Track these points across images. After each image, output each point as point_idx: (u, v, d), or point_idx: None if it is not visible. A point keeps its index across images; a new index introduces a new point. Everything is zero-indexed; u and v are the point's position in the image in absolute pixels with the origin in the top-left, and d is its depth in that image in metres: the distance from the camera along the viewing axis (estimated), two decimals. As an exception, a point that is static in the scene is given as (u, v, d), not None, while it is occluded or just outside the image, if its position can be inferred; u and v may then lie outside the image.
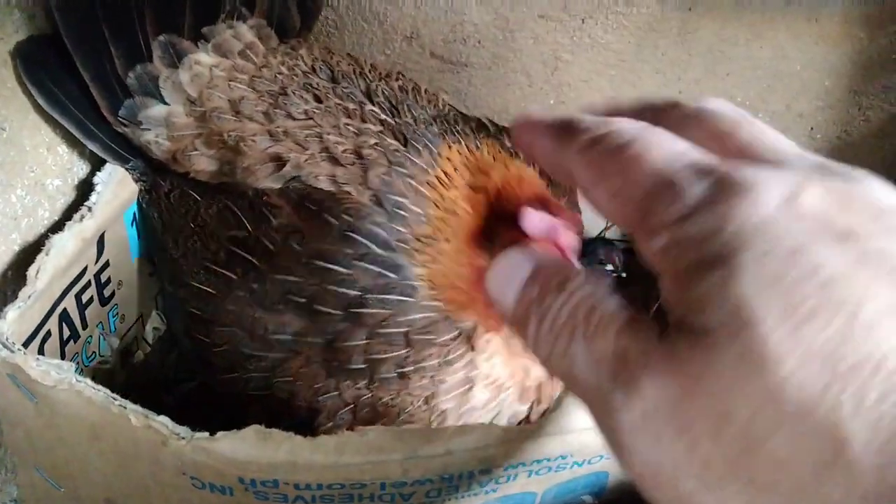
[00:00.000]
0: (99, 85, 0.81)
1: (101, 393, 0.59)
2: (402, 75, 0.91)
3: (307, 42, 0.93)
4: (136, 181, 0.85)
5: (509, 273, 0.38)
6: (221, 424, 0.62)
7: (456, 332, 0.72)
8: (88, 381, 0.60)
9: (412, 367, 0.71)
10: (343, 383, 0.72)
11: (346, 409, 0.72)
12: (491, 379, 0.71)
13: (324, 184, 0.76)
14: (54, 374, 0.60)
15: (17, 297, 0.69)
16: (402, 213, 0.73)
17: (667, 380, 0.28)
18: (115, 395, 0.59)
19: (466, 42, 1.05)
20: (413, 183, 0.74)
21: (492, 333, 0.71)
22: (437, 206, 0.74)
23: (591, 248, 1.03)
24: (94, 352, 0.85)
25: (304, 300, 0.72)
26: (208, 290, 0.77)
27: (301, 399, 0.72)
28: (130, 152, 0.85)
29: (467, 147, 0.77)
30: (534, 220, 0.69)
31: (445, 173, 0.76)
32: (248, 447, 0.56)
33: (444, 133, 0.79)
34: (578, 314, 0.33)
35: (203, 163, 0.81)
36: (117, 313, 0.87)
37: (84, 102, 0.81)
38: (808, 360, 0.26)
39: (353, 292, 0.71)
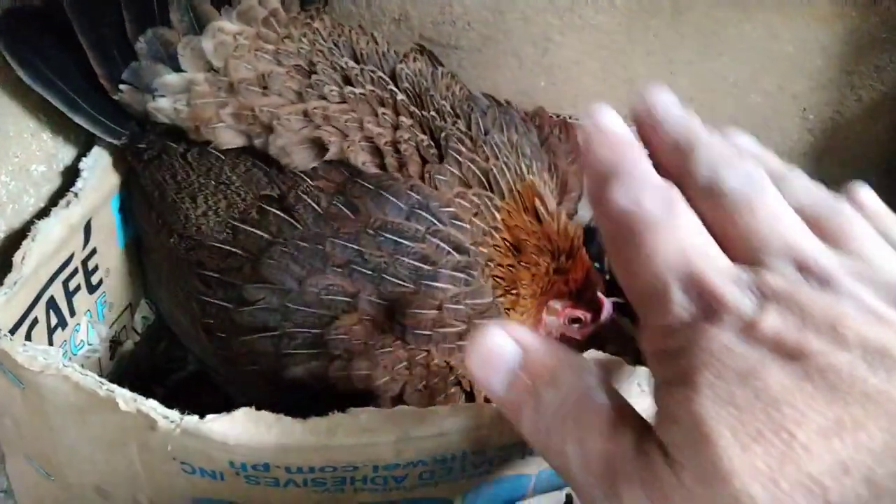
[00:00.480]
0: (98, 52, 0.79)
1: (88, 378, 0.58)
2: (419, 53, 0.90)
3: (321, 12, 0.91)
4: (139, 149, 0.82)
5: (496, 357, 0.39)
6: (214, 413, 0.63)
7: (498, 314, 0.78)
8: (76, 365, 0.59)
9: (468, 342, 0.75)
10: (396, 342, 0.74)
11: (402, 364, 0.74)
12: None
13: (371, 167, 0.77)
14: (41, 359, 0.59)
15: (2, 284, 0.68)
16: (458, 223, 0.76)
17: (642, 493, 0.32)
18: (102, 380, 0.58)
19: (456, 24, 1.04)
20: (464, 203, 0.78)
21: None
22: (504, 245, 0.79)
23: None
24: (82, 340, 0.84)
25: (370, 272, 0.74)
26: (234, 249, 0.77)
27: (358, 355, 0.73)
28: (122, 124, 0.82)
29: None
30: (608, 308, 0.85)
31: (508, 211, 0.80)
32: (239, 430, 0.56)
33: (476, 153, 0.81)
34: (570, 412, 0.36)
35: (229, 136, 0.80)
36: (105, 301, 0.86)
37: (71, 75, 0.79)
38: (757, 477, 0.29)
39: (426, 266, 0.74)
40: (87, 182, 0.80)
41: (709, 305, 0.33)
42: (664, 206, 0.36)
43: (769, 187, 0.39)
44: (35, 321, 0.73)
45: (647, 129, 0.44)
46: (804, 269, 0.35)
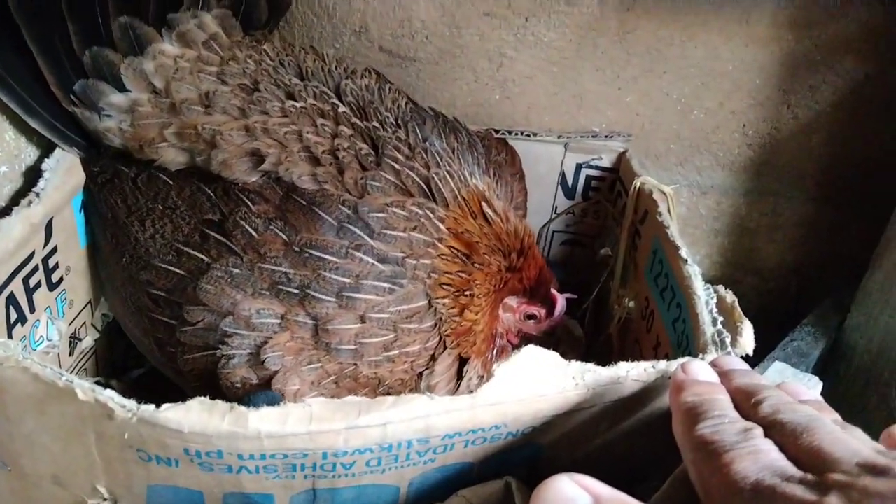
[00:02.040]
0: (49, 60, 0.82)
1: (48, 369, 0.60)
2: (369, 72, 0.94)
3: (270, 36, 0.95)
4: (94, 171, 0.86)
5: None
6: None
7: (433, 322, 0.82)
8: (35, 357, 0.61)
9: (397, 352, 0.79)
10: (326, 357, 0.77)
11: (329, 379, 0.78)
12: (470, 377, 0.85)
13: (307, 181, 0.81)
14: (0, 351, 0.61)
15: (-37, 280, 0.70)
16: (390, 232, 0.79)
17: None
18: (61, 371, 0.60)
19: (414, 37, 1.08)
20: (401, 212, 0.80)
21: (476, 359, 0.86)
22: (449, 251, 0.82)
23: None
24: (41, 336, 0.85)
25: (295, 290, 0.77)
26: (178, 271, 0.80)
27: (291, 371, 0.76)
28: (77, 133, 0.85)
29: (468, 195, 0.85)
30: (562, 304, 0.91)
31: (455, 217, 0.83)
32: (193, 418, 0.58)
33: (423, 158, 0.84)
34: None
35: (172, 154, 0.83)
36: (66, 298, 0.88)
37: (28, 81, 0.81)
38: None
39: (347, 280, 0.77)
40: (50, 182, 0.82)
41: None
42: (741, 434, 0.46)
43: (822, 417, 0.48)
44: (-6, 315, 0.75)
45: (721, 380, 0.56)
46: (862, 465, 0.42)
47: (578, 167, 1.12)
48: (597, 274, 1.11)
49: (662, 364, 0.67)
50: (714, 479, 0.45)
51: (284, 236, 0.78)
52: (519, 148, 1.06)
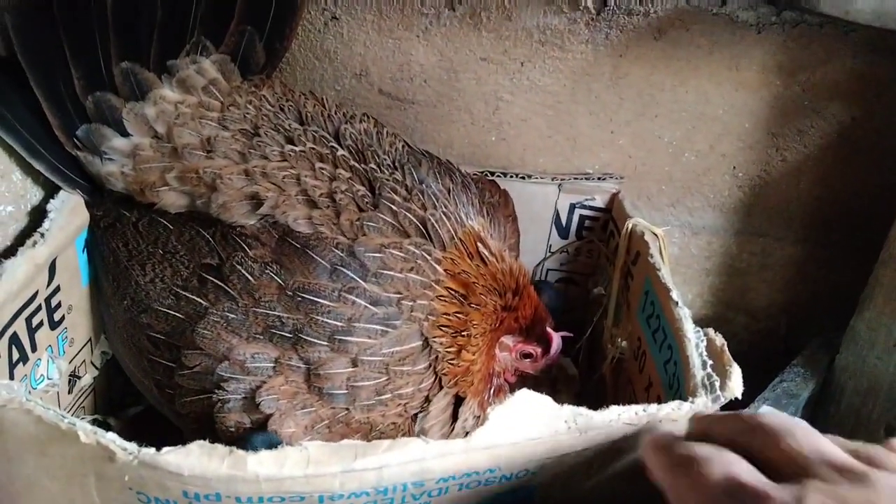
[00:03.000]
0: (52, 104, 0.84)
1: (51, 411, 0.62)
2: (367, 116, 0.96)
3: (269, 80, 0.97)
4: (97, 215, 0.88)
5: None
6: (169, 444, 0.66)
7: (428, 363, 0.82)
8: (38, 399, 0.62)
9: (390, 395, 0.80)
10: (318, 402, 0.78)
11: (322, 423, 0.78)
12: (465, 417, 0.86)
13: (302, 225, 0.82)
14: (4, 393, 0.62)
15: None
16: (387, 272, 0.80)
17: None
18: (64, 413, 0.62)
19: (413, 81, 1.11)
20: (400, 254, 0.81)
21: (473, 398, 0.86)
22: (447, 292, 0.83)
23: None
24: (42, 375, 0.86)
25: (288, 334, 0.78)
26: (177, 314, 0.81)
27: (286, 415, 0.77)
28: (80, 176, 0.87)
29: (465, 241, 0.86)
30: (558, 342, 0.92)
31: (452, 259, 0.84)
32: (193, 461, 0.59)
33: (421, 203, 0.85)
34: None
35: (172, 197, 0.85)
36: (66, 337, 0.89)
37: (33, 124, 0.83)
38: None
39: (339, 323, 0.78)
40: (54, 222, 0.83)
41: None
42: (713, 450, 0.48)
43: (802, 422, 0.50)
44: (-4, 356, 0.76)
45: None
46: (839, 469, 0.43)
47: (572, 207, 1.14)
48: (590, 313, 1.12)
49: (653, 408, 0.68)
50: (692, 493, 0.47)
51: (279, 280, 0.79)
52: (514, 188, 1.08)
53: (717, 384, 0.72)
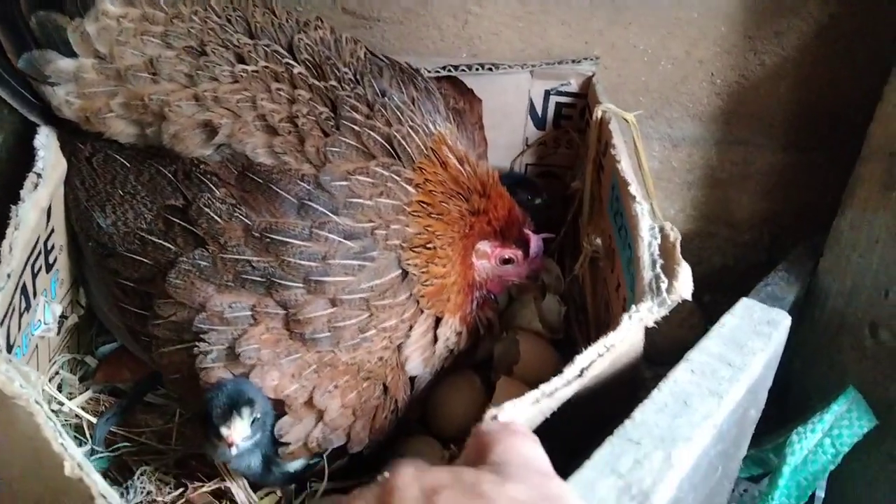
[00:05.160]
0: (5, 27, 0.80)
1: (50, 424, 0.58)
2: (322, 22, 0.91)
3: None
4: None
5: None
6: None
7: (409, 293, 0.80)
8: (45, 405, 0.59)
9: (374, 331, 0.78)
10: (303, 347, 0.76)
11: (310, 369, 0.76)
12: (446, 336, 0.84)
13: (262, 155, 0.77)
14: (18, 384, 0.58)
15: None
16: (356, 200, 0.76)
17: None
18: (61, 429, 0.59)
19: (378, -3, 1.07)
20: (369, 179, 0.78)
21: (451, 316, 0.84)
22: (419, 207, 0.80)
23: (512, 191, 1.05)
24: (39, 319, 0.82)
25: (259, 279, 0.74)
26: (145, 260, 0.78)
27: (269, 365, 0.74)
28: (42, 109, 0.83)
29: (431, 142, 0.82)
30: (537, 243, 0.89)
31: (422, 169, 0.80)
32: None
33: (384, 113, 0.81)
34: None
35: (120, 125, 0.80)
36: (59, 279, 0.86)
37: None
38: None
39: (313, 263, 0.75)
40: (46, 161, 0.80)
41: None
42: None
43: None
44: (13, 310, 0.73)
45: None
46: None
47: (547, 94, 1.09)
48: (570, 208, 1.09)
49: (590, 353, 0.64)
50: None
51: (246, 221, 0.75)
52: (483, 81, 1.03)
53: (665, 286, 0.67)
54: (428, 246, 0.81)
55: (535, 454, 0.49)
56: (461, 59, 1.11)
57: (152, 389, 0.94)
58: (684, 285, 0.67)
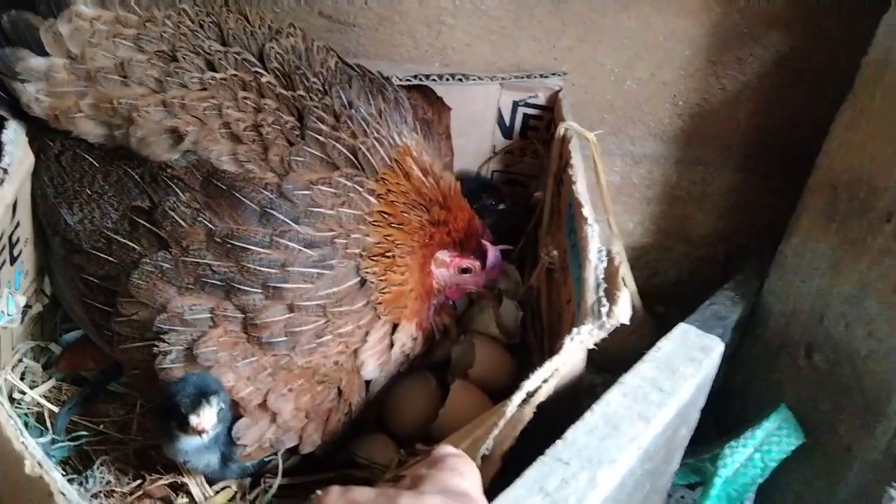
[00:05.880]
0: None
1: (11, 422, 0.60)
2: (294, 29, 0.92)
3: None
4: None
5: None
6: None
7: (366, 300, 0.81)
8: (7, 404, 0.61)
9: (330, 336, 0.80)
10: (259, 350, 0.78)
11: (265, 372, 0.78)
12: (402, 342, 0.86)
13: (226, 162, 0.78)
14: None
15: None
16: (317, 210, 0.78)
17: None
18: (22, 428, 0.60)
19: (354, 3, 1.09)
20: (331, 189, 0.79)
21: (408, 322, 0.86)
22: (381, 217, 0.81)
23: (477, 196, 1.07)
24: (2, 311, 0.83)
25: (219, 282, 0.76)
26: (110, 258, 0.79)
27: (225, 367, 0.76)
28: (10, 104, 0.84)
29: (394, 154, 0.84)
30: (494, 254, 0.91)
31: (385, 180, 0.82)
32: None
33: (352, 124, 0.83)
34: None
35: (89, 126, 0.82)
36: (24, 270, 0.87)
37: None
38: None
39: (272, 270, 0.76)
40: (13, 156, 0.80)
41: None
42: None
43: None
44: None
45: None
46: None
47: (515, 105, 1.13)
48: (533, 217, 1.11)
49: (535, 378, 0.68)
50: None
51: (209, 226, 0.76)
52: (453, 92, 1.05)
53: (605, 311, 0.69)
54: (387, 255, 0.83)
55: (463, 477, 0.53)
56: (433, 69, 1.14)
57: (115, 379, 0.96)
58: (623, 310, 0.70)
